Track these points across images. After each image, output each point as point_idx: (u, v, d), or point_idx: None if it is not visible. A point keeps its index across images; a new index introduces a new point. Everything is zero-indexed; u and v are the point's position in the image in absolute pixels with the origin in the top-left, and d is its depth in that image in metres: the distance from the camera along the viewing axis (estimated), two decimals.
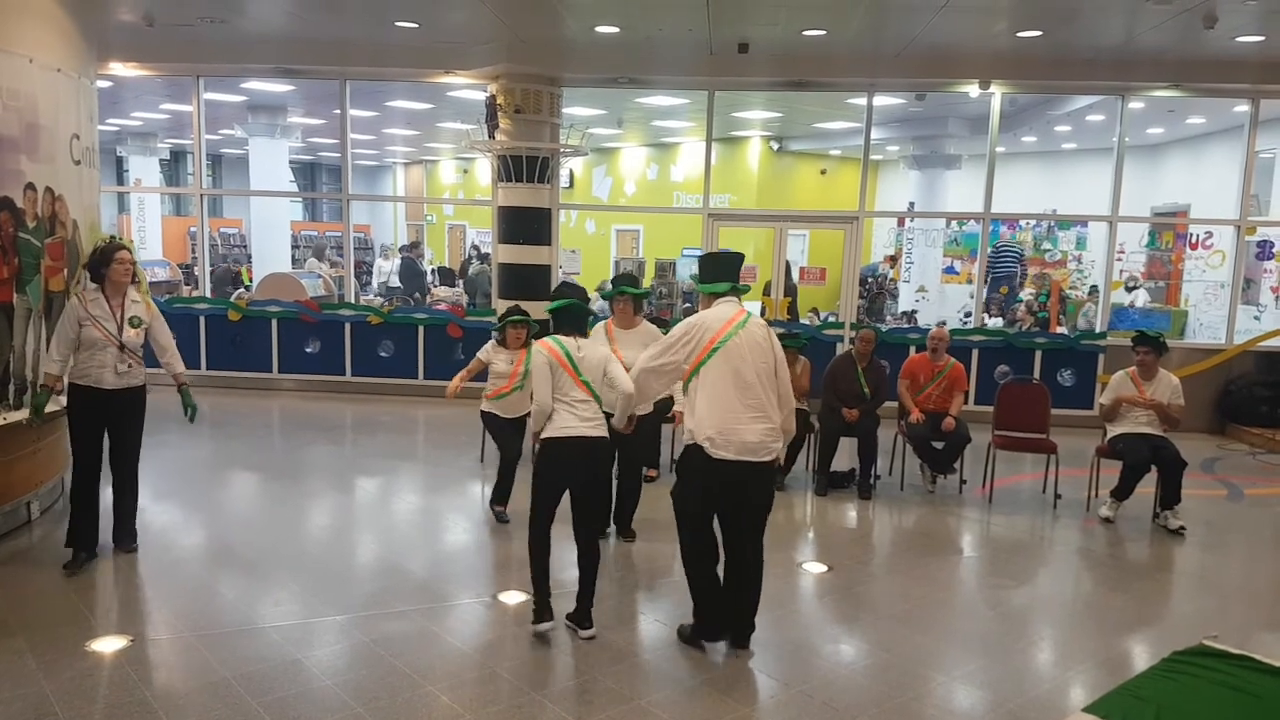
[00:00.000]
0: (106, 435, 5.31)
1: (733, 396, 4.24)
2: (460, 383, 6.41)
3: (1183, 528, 6.55)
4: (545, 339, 4.56)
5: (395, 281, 15.94)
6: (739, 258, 4.72)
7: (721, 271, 4.56)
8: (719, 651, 4.45)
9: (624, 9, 8.35)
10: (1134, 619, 5.22)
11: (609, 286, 12.33)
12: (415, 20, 8.94)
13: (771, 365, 4.37)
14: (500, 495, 6.32)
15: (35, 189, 5.51)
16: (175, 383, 5.48)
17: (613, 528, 6.06)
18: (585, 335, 4.67)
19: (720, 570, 4.50)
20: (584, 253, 16.56)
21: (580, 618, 4.52)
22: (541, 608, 4.47)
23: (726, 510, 4.42)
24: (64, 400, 5.32)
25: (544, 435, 4.41)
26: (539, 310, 9.08)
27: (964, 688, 4.20)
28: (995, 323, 12.52)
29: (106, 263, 5.13)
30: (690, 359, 4.32)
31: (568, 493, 4.52)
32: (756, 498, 4.41)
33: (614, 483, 5.67)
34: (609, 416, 4.61)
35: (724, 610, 4.46)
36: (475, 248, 17.98)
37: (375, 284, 16.82)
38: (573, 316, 4.62)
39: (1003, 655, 4.56)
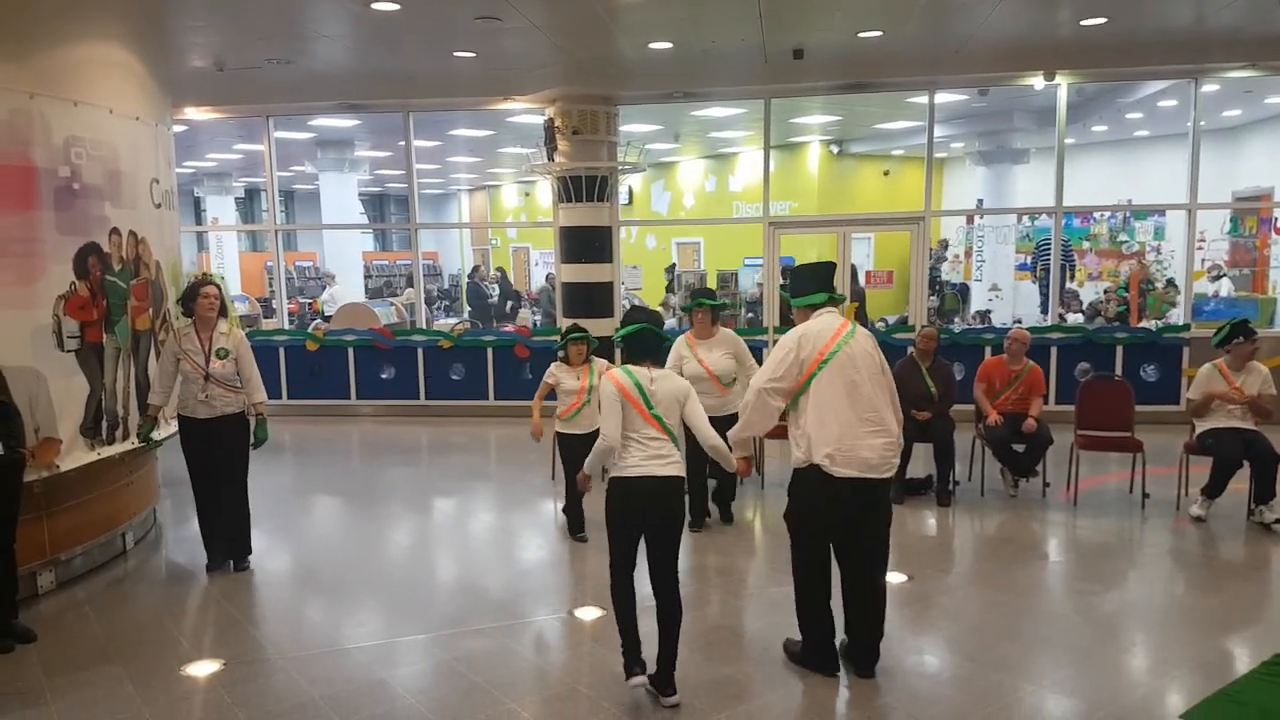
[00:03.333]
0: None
1: (848, 411, 4.05)
2: (538, 414, 6.43)
3: (1279, 520, 6.28)
4: (614, 370, 4.17)
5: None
6: (831, 267, 4.50)
7: (815, 283, 4.36)
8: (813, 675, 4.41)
9: (676, 25, 8.38)
10: (1231, 621, 5.01)
11: (674, 293, 12.30)
12: (473, 50, 9.11)
13: (883, 373, 4.20)
14: (576, 525, 6.32)
15: (120, 233, 5.76)
16: (253, 412, 5.73)
17: (714, 514, 6.52)
18: (660, 363, 4.25)
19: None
20: (645, 268, 16.63)
21: (662, 681, 4.01)
22: (632, 659, 4.00)
23: (844, 530, 4.20)
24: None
25: (612, 474, 4.04)
26: (603, 327, 9.21)
27: (1054, 697, 4.08)
28: (1074, 319, 12.18)
29: (194, 298, 5.53)
30: (801, 373, 4.11)
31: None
32: (874, 516, 4.21)
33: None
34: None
35: (833, 639, 4.30)
36: (500, 269, 18.18)
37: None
38: (645, 344, 4.16)
39: (1094, 662, 4.42)
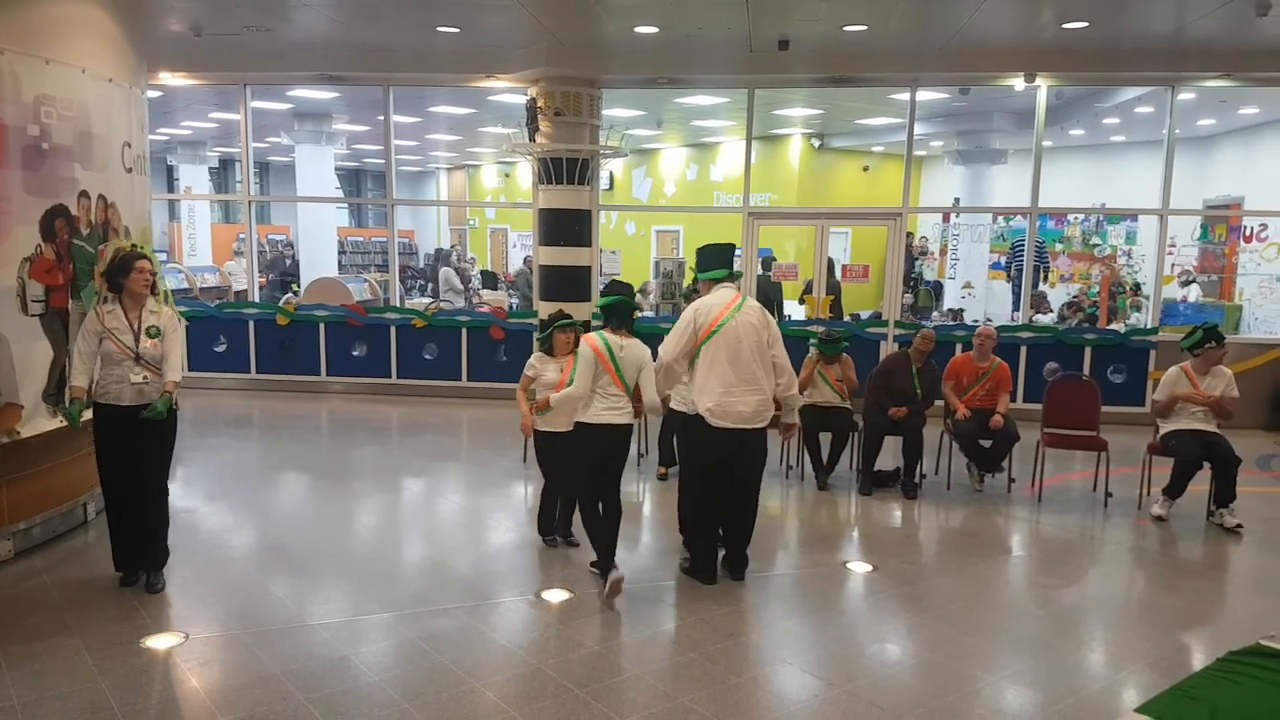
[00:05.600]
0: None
1: (729, 372, 4.93)
2: (526, 406, 5.78)
3: (1240, 526, 6.41)
4: (592, 335, 4.96)
5: (241, 284, 15.31)
6: (731, 247, 5.48)
7: (717, 260, 5.28)
8: (760, 648, 4.45)
9: (662, 9, 8.34)
10: (1188, 618, 5.10)
11: (651, 287, 12.26)
12: (456, 25, 9.03)
13: (765, 342, 5.03)
14: (546, 524, 5.91)
15: (89, 196, 5.65)
16: (164, 390, 4.91)
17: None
18: (631, 330, 5.04)
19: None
20: (624, 254, 16.58)
21: (607, 562, 4.97)
22: (607, 562, 4.96)
23: (725, 469, 5.10)
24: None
25: (578, 420, 4.97)
26: (581, 311, 9.19)
27: (1013, 688, 4.14)
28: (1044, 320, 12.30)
29: (125, 272, 4.86)
30: (696, 340, 4.99)
31: None
32: (750, 457, 5.12)
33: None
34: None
35: (714, 556, 5.30)
36: (439, 249, 18.24)
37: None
38: (621, 312, 5.02)
39: (1053, 655, 4.49)
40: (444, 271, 14.93)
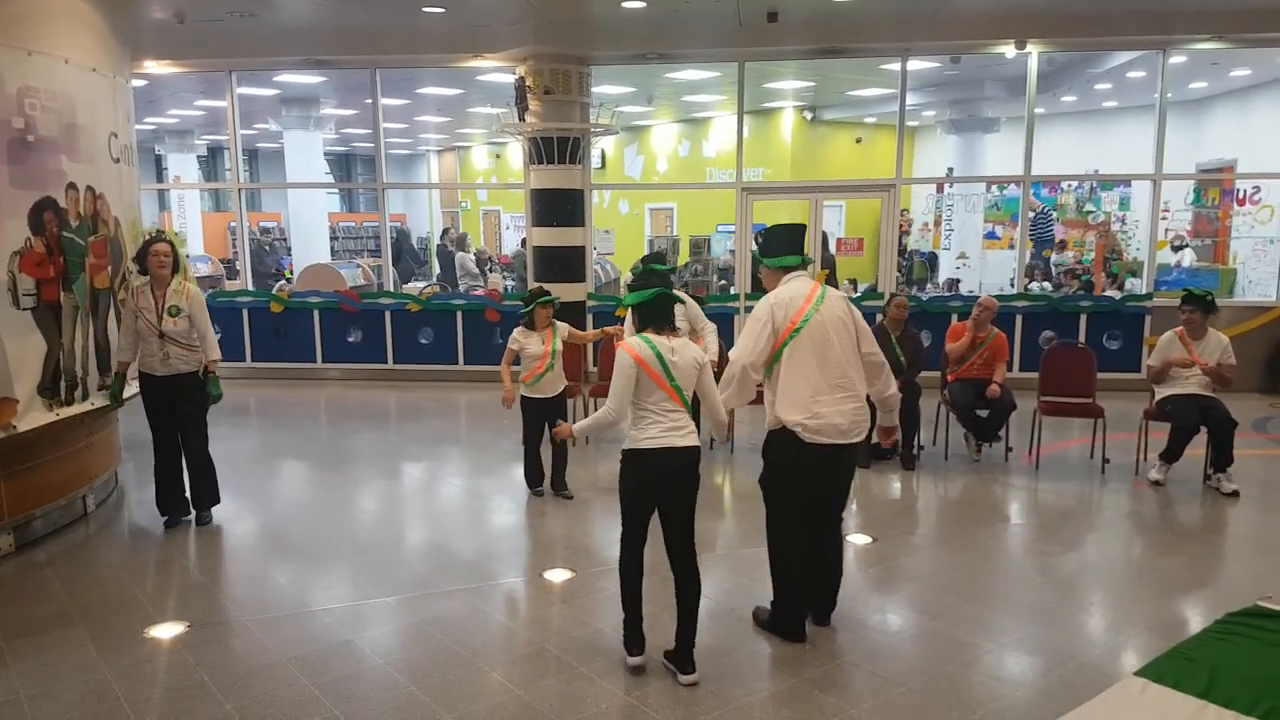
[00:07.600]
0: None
1: (819, 378, 4.07)
2: (509, 380, 6.38)
3: (1237, 491, 6.42)
4: (630, 341, 3.91)
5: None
6: (803, 229, 4.52)
7: (789, 244, 4.32)
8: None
9: None
10: (1186, 582, 5.13)
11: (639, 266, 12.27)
12: (442, 5, 8.95)
13: (854, 338, 4.19)
14: (535, 476, 6.57)
15: (77, 188, 5.62)
16: (206, 371, 5.77)
17: None
18: (675, 328, 4.03)
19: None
20: (618, 233, 16.53)
21: (682, 659, 3.93)
22: (633, 638, 4.01)
23: (811, 492, 4.23)
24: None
25: (628, 446, 3.88)
26: (575, 292, 9.16)
27: (1013, 655, 4.16)
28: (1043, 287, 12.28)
29: (145, 256, 5.59)
30: (775, 341, 4.10)
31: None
32: (843, 477, 4.32)
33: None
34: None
35: (803, 605, 4.36)
36: (398, 227, 18.45)
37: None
38: (661, 310, 3.96)
39: (1052, 622, 4.51)
40: (460, 256, 14.87)
